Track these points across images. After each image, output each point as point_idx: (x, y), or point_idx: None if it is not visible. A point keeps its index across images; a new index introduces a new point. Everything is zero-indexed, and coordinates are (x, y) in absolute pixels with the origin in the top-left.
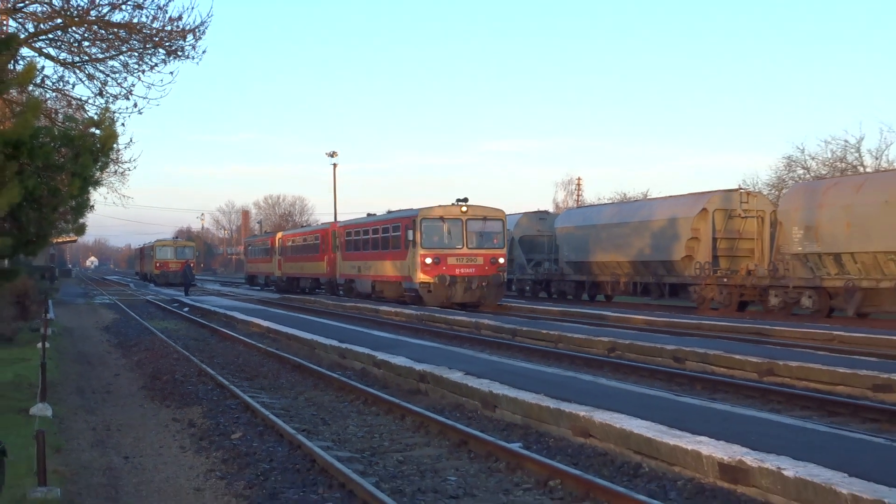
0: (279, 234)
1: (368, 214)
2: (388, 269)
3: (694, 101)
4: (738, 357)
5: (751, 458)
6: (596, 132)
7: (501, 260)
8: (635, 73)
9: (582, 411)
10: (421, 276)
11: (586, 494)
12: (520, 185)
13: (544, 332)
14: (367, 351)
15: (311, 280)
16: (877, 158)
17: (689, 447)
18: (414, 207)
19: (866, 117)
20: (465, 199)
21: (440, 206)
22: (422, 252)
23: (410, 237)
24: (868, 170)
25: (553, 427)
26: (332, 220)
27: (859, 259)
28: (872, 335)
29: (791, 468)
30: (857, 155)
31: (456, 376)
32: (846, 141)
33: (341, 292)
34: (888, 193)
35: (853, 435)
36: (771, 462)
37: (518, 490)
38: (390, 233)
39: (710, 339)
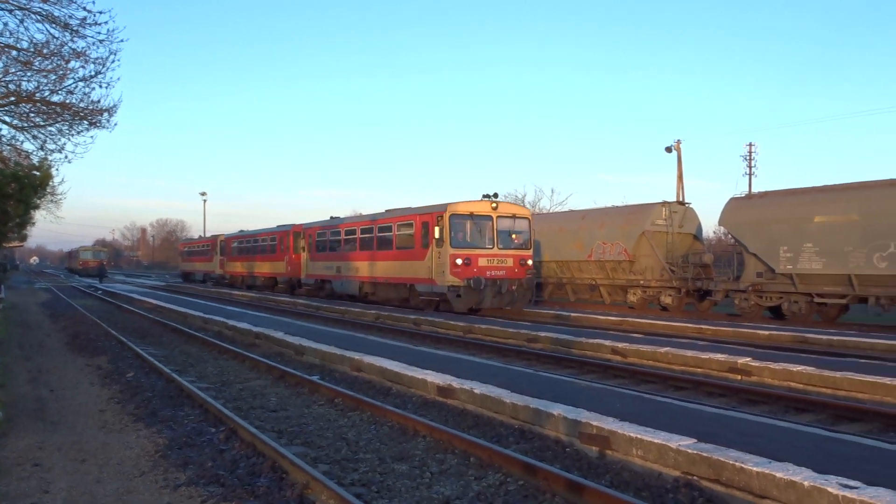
0: (221, 237)
1: (332, 217)
2: (390, 269)
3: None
4: (451, 322)
5: (456, 383)
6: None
7: (530, 262)
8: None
9: (357, 355)
10: (450, 279)
11: (357, 406)
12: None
13: (337, 308)
14: (221, 319)
15: (264, 279)
16: (533, 206)
17: (420, 377)
18: (431, 204)
19: (527, 180)
20: (495, 195)
21: (468, 201)
22: (452, 252)
23: (437, 235)
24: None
25: (339, 366)
26: (200, 235)
27: (553, 264)
28: (543, 311)
29: (479, 388)
30: (522, 204)
31: (279, 335)
32: (516, 195)
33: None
34: (559, 225)
35: (516, 368)
36: (467, 384)
37: (315, 405)
38: (397, 231)
39: (438, 313)
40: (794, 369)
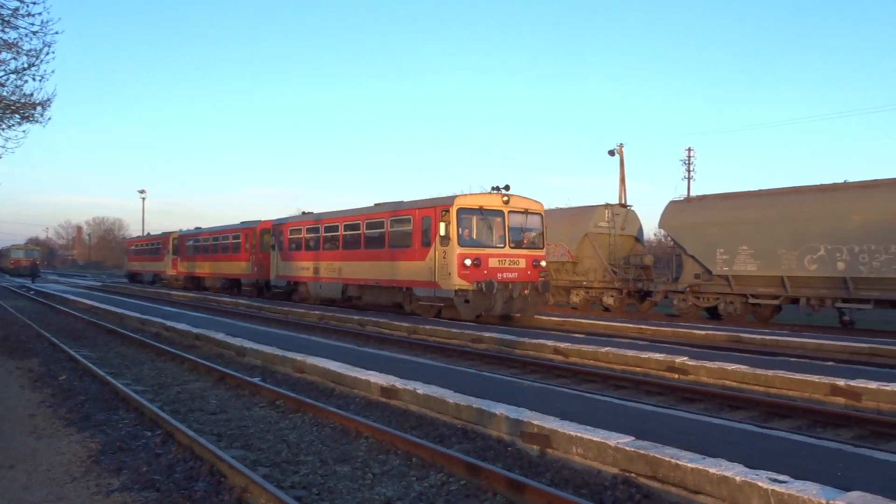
0: (174, 235)
1: (304, 213)
2: (382, 271)
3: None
4: (395, 323)
5: (399, 383)
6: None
7: (543, 263)
8: None
9: (299, 357)
10: (457, 282)
11: (299, 408)
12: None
13: (280, 308)
14: (160, 320)
15: (225, 280)
16: None
17: (363, 377)
18: (437, 196)
19: (472, 181)
20: (507, 187)
21: (477, 194)
22: (460, 251)
23: (442, 231)
24: None
25: (281, 367)
26: (139, 234)
27: None
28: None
29: (422, 388)
30: None
31: (220, 336)
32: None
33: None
34: None
35: (460, 368)
36: (411, 385)
37: (256, 408)
38: (391, 227)
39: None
40: (729, 368)
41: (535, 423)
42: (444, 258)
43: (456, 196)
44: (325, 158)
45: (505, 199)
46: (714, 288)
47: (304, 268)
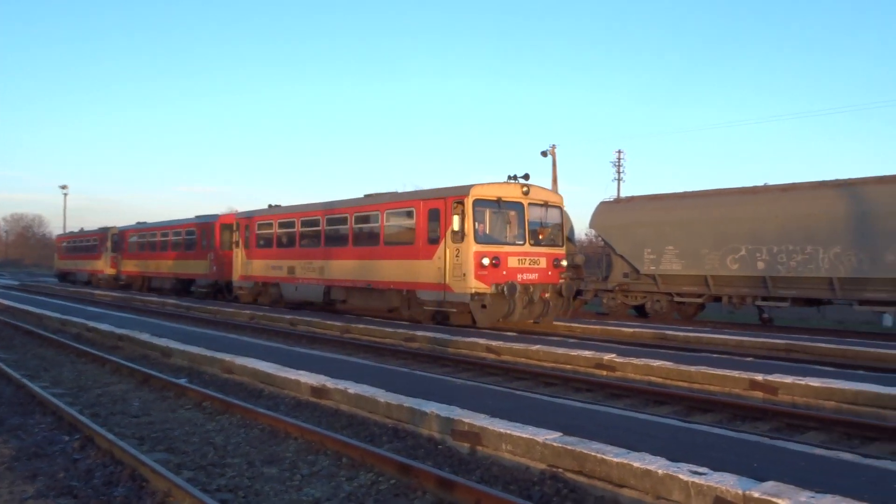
0: (114, 230)
1: (271, 206)
2: (376, 271)
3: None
4: (328, 322)
5: (330, 383)
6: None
7: (564, 262)
8: None
9: (228, 357)
10: (474, 285)
11: (226, 409)
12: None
13: (209, 307)
14: (81, 320)
15: (177, 280)
16: None
17: (293, 377)
18: (440, 186)
19: (406, 180)
20: (526, 176)
21: (493, 183)
22: (476, 248)
23: (455, 226)
24: None
25: (209, 368)
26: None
27: None
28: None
29: (354, 388)
30: None
31: (144, 337)
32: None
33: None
34: None
35: (393, 367)
36: (342, 384)
37: (181, 409)
38: (388, 221)
39: (314, 312)
40: (654, 364)
41: (466, 420)
42: (456, 257)
43: (472, 185)
44: (255, 156)
45: (524, 189)
46: (642, 287)
47: (275, 267)
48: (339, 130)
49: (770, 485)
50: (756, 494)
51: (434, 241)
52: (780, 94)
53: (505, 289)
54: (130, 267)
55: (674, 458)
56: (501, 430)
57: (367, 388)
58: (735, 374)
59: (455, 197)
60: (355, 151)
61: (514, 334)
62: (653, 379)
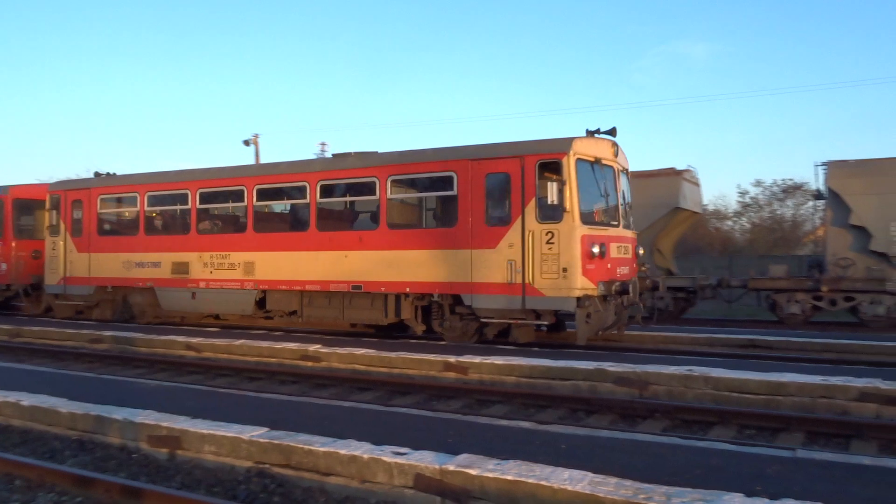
0: None
1: (105, 174)
2: (377, 267)
3: None
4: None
5: None
6: None
7: (641, 251)
8: None
9: None
10: (581, 284)
11: None
12: None
13: None
14: None
15: None
16: None
17: None
18: (507, 141)
19: (91, 165)
20: (613, 131)
21: (586, 138)
22: (584, 231)
23: (552, 196)
24: None
25: None
26: None
27: None
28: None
29: (28, 399)
30: None
31: None
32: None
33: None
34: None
35: (76, 373)
36: (13, 396)
37: None
38: (395, 193)
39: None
40: (358, 353)
41: (164, 424)
42: (548, 244)
43: (572, 138)
44: None
45: (615, 149)
46: None
47: (142, 264)
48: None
49: (463, 457)
50: (451, 468)
51: (499, 222)
52: (484, 92)
53: (617, 287)
54: None
55: (378, 442)
56: (204, 431)
57: (45, 398)
58: (431, 357)
59: (543, 155)
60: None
61: (217, 329)
62: (358, 367)
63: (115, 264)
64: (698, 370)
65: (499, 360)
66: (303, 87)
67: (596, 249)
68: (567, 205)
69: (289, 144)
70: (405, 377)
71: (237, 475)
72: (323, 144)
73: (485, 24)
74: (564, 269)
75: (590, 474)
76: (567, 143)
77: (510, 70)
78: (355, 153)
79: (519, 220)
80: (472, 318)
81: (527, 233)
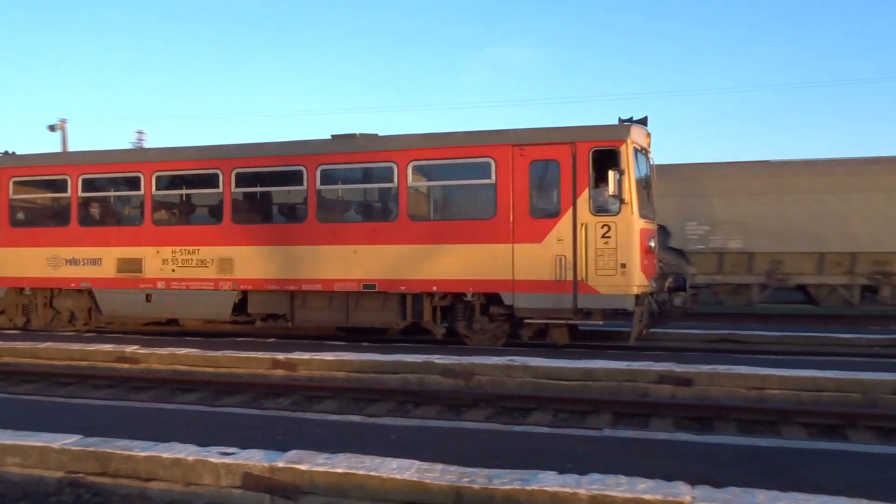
0: None
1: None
2: (395, 263)
3: None
4: None
5: None
6: None
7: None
8: None
9: None
10: (639, 280)
11: None
12: None
13: None
14: None
15: None
16: None
17: None
18: (549, 126)
19: None
20: (644, 121)
21: (630, 123)
22: (642, 225)
23: (611, 187)
24: None
25: None
26: None
27: None
28: None
29: None
30: None
31: None
32: None
33: None
34: None
35: None
36: None
37: None
38: (420, 180)
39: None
40: (180, 353)
41: None
42: (604, 237)
43: (630, 125)
44: None
45: (649, 138)
46: None
47: (80, 261)
48: None
49: (292, 453)
50: (280, 464)
51: (547, 214)
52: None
53: (671, 284)
54: None
55: (204, 444)
56: (7, 443)
57: None
58: (259, 354)
59: (599, 142)
60: None
61: (19, 332)
62: (179, 367)
63: (34, 261)
64: (519, 360)
65: (329, 356)
66: (117, 74)
67: (652, 244)
68: (626, 196)
69: (102, 132)
70: (232, 376)
71: (47, 486)
72: (140, 133)
73: (310, 21)
74: (623, 265)
75: (417, 462)
76: (625, 129)
77: (335, 65)
78: (362, 134)
79: (570, 213)
80: (505, 318)
81: (579, 226)
